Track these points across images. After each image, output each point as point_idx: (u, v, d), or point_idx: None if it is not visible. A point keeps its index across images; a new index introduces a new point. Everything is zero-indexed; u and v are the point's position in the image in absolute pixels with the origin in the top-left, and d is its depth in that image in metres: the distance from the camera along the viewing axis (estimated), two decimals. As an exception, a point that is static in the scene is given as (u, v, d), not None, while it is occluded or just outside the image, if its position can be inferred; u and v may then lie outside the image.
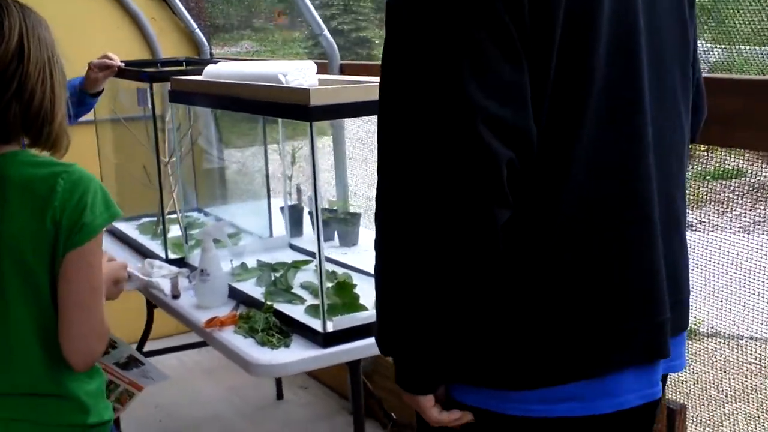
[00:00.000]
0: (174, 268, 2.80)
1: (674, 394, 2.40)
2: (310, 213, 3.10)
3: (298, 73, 2.46)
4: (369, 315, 2.25)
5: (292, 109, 2.17)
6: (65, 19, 4.15)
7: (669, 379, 2.37)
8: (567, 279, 1.31)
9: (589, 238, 1.31)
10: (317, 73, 2.50)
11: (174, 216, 3.17)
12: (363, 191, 3.66)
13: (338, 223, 3.05)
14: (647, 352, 1.38)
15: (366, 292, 2.45)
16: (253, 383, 3.84)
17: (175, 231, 3.13)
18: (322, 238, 2.19)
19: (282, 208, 3.15)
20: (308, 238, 3.05)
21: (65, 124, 1.77)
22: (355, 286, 2.48)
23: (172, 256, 2.96)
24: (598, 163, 1.30)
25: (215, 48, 4.76)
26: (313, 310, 2.33)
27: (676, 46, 1.44)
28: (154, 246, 3.11)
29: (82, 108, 3.07)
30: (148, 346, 3.65)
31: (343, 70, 3.46)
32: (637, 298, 1.36)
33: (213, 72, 2.72)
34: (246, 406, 3.78)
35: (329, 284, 2.51)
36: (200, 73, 2.77)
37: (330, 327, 2.18)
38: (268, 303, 2.37)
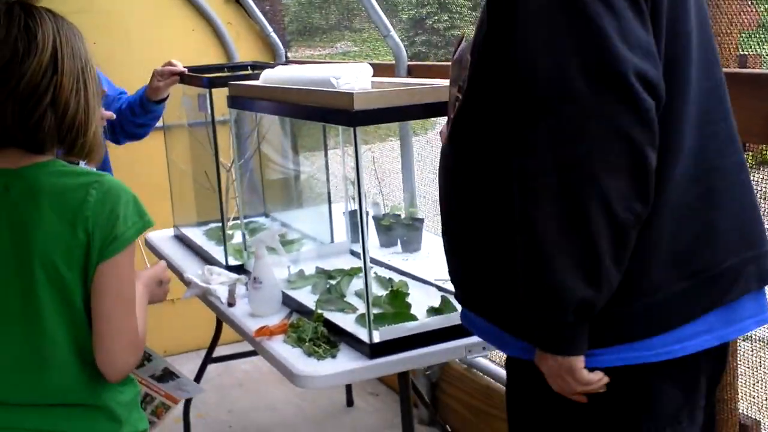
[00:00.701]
0: (233, 275, 2.78)
1: (749, 408, 2.26)
2: (374, 218, 3.05)
3: (352, 76, 2.41)
4: (418, 325, 2.18)
5: (335, 113, 2.11)
6: (142, 25, 4.25)
7: (741, 392, 2.24)
8: (691, 216, 1.46)
9: (708, 175, 1.48)
10: (386, 75, 2.45)
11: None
12: (432, 194, 3.59)
13: (401, 228, 2.99)
14: (759, 279, 1.54)
15: (420, 300, 2.39)
16: (323, 390, 3.80)
17: (240, 236, 3.12)
18: (367, 246, 2.12)
19: (344, 213, 3.10)
20: (370, 244, 2.99)
21: (99, 134, 1.76)
22: (408, 294, 2.41)
23: (233, 262, 2.95)
24: (705, 112, 1.48)
25: (310, 50, 4.76)
26: (362, 320, 2.27)
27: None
28: (218, 252, 3.09)
29: (149, 116, 3.09)
30: (219, 351, 3.65)
31: (411, 71, 3.40)
32: (748, 230, 1.53)
33: (269, 77, 2.69)
34: (315, 412, 3.75)
35: (384, 292, 2.45)
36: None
37: (376, 337, 2.12)
38: (318, 312, 2.32)
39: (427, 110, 2.14)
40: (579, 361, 1.45)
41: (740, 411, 2.24)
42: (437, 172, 1.78)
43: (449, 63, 1.80)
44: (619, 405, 1.51)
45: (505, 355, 2.35)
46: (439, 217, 3.31)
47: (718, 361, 1.61)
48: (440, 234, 1.77)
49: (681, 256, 1.46)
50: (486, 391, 3.25)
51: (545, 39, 1.38)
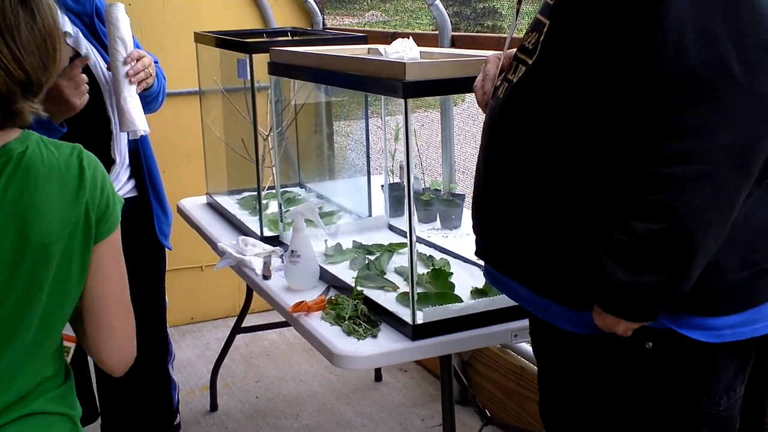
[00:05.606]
0: (268, 247, 2.71)
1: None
2: (414, 192, 2.96)
3: (400, 45, 2.32)
4: (463, 307, 2.10)
5: (386, 83, 2.02)
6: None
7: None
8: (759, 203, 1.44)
9: None
10: (427, 45, 2.35)
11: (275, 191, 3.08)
12: (471, 169, 3.49)
13: (441, 204, 2.91)
14: None
15: (462, 280, 2.31)
16: (352, 363, 3.73)
17: (275, 207, 3.05)
18: (414, 226, 2.04)
19: (382, 186, 3.02)
20: (409, 219, 2.91)
21: None
22: (452, 274, 2.33)
23: (268, 233, 2.88)
24: None
25: (341, 18, 4.64)
26: (404, 299, 2.20)
27: None
28: (252, 222, 3.02)
29: None
30: (248, 321, 3.60)
31: (455, 42, 3.30)
32: None
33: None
34: (343, 386, 3.69)
35: (425, 270, 2.37)
36: (304, 44, 2.65)
37: (420, 318, 2.04)
38: (358, 289, 2.24)
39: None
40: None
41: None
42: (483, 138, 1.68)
43: (494, 35, 1.69)
44: (678, 378, 1.51)
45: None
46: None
47: None
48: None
49: (754, 243, 1.47)
50: (520, 372, 3.18)
51: (699, 18, 1.31)
